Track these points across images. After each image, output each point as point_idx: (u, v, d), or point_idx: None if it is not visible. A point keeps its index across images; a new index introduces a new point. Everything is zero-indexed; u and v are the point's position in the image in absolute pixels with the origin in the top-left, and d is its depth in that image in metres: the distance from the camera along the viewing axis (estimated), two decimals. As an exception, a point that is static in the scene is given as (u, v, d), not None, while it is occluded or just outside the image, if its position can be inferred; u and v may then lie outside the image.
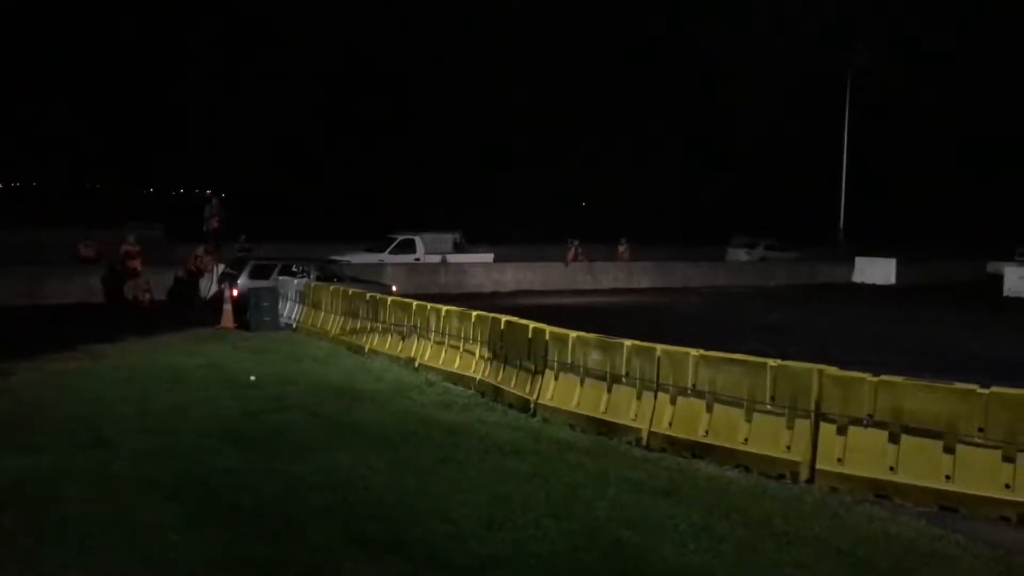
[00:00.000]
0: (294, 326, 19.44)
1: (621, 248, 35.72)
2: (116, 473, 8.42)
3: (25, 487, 7.95)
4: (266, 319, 19.03)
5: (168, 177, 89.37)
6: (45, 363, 14.15)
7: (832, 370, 8.99)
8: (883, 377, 8.65)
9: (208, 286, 23.77)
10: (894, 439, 8.35)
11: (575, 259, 33.42)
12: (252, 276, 21.40)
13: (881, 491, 8.27)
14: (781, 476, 8.83)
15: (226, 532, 7.02)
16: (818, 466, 8.71)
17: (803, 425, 8.91)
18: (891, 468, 8.30)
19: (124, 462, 8.77)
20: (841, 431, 8.66)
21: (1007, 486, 7.81)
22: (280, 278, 21.37)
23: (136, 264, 23.37)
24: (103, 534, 6.88)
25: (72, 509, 7.43)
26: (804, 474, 8.76)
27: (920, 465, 8.18)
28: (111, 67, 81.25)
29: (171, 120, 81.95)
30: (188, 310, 21.65)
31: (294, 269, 21.93)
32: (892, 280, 37.47)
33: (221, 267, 23.33)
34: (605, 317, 21.62)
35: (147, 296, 23.34)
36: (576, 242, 33.85)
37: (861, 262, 38.87)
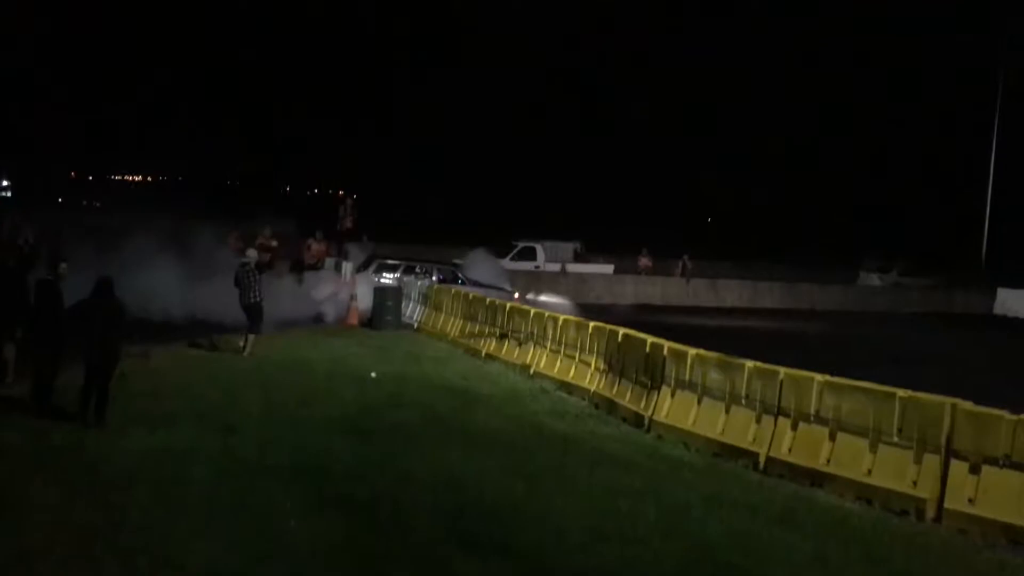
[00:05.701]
0: (415, 326, 19.85)
1: (643, 259, 34.26)
2: (241, 457, 8.78)
3: (158, 463, 8.39)
4: (389, 318, 19.49)
5: (303, 177, 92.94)
6: (180, 348, 14.90)
7: (966, 405, 8.53)
8: (1023, 416, 8.15)
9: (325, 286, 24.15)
10: (1033, 483, 7.86)
11: (683, 274, 32.89)
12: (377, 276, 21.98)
13: (1016, 538, 7.78)
14: (905, 512, 8.45)
15: (341, 522, 7.23)
16: (946, 505, 8.28)
17: (932, 460, 8.49)
18: (1028, 514, 7.81)
19: (249, 447, 9.14)
20: (974, 470, 8.20)
21: None
22: (404, 279, 21.86)
23: (269, 257, 24.24)
24: (228, 514, 7.18)
25: (200, 488, 7.80)
26: (931, 512, 8.35)
27: (1061, 513, 7.67)
28: (253, 77, 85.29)
29: (309, 125, 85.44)
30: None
31: (417, 270, 22.40)
32: (1038, 314, 35.23)
33: (350, 265, 23.96)
34: (724, 337, 21.17)
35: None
36: (686, 256, 33.31)
37: (1004, 293, 36.64)
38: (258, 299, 15.06)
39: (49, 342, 10.01)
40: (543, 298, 23.88)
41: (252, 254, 16.08)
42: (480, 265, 25.64)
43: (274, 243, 24.32)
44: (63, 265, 10.53)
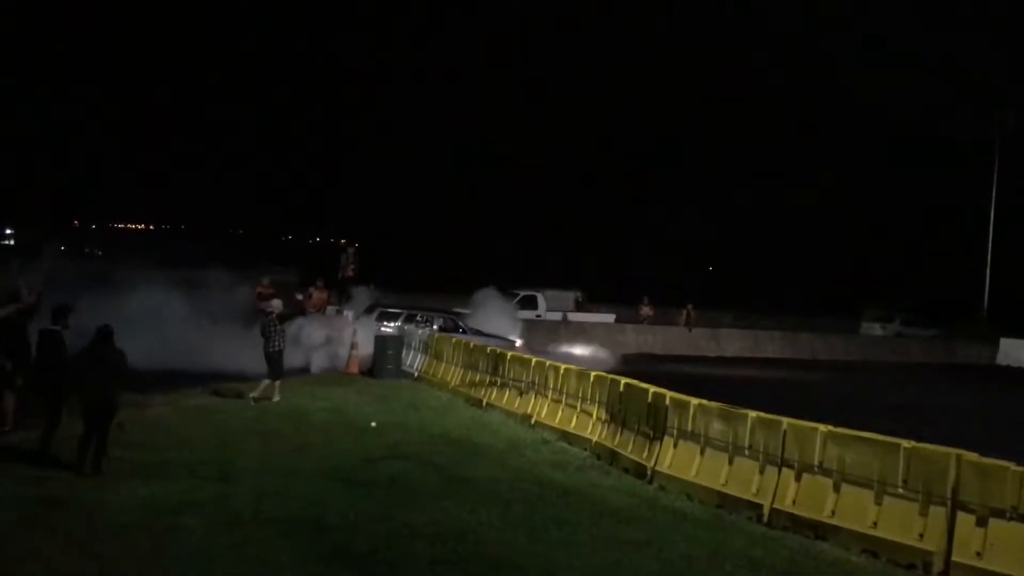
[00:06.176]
0: (416, 375, 19.75)
1: (645, 308, 34.27)
2: (237, 508, 8.67)
3: (155, 514, 8.29)
4: (389, 367, 19.42)
5: (305, 225, 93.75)
6: (179, 398, 14.82)
7: (971, 456, 8.43)
8: (1029, 468, 8.05)
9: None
10: (1042, 536, 7.73)
11: (687, 323, 32.92)
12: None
13: (1025, 592, 7.65)
14: (912, 565, 8.30)
15: (338, 574, 7.10)
16: (954, 558, 8.13)
17: (938, 512, 8.37)
18: (1038, 568, 7.67)
19: (245, 498, 9.03)
20: (981, 522, 8.07)
21: None
22: (405, 327, 21.82)
23: (268, 305, 24.16)
24: (223, 566, 7.08)
25: (196, 540, 7.69)
26: (938, 566, 8.20)
27: (1071, 567, 7.53)
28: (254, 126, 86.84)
29: (310, 173, 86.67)
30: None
31: (418, 319, 22.37)
32: (1041, 364, 35.07)
33: (350, 313, 23.94)
34: (726, 386, 21.07)
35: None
36: (690, 306, 33.37)
37: (1007, 343, 36.55)
38: (277, 348, 15.48)
39: (52, 391, 9.98)
40: (575, 350, 23.78)
41: (277, 304, 16.35)
42: (488, 306, 25.52)
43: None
44: (71, 315, 10.56)
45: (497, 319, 24.58)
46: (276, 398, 15.22)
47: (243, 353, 18.45)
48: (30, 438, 10.35)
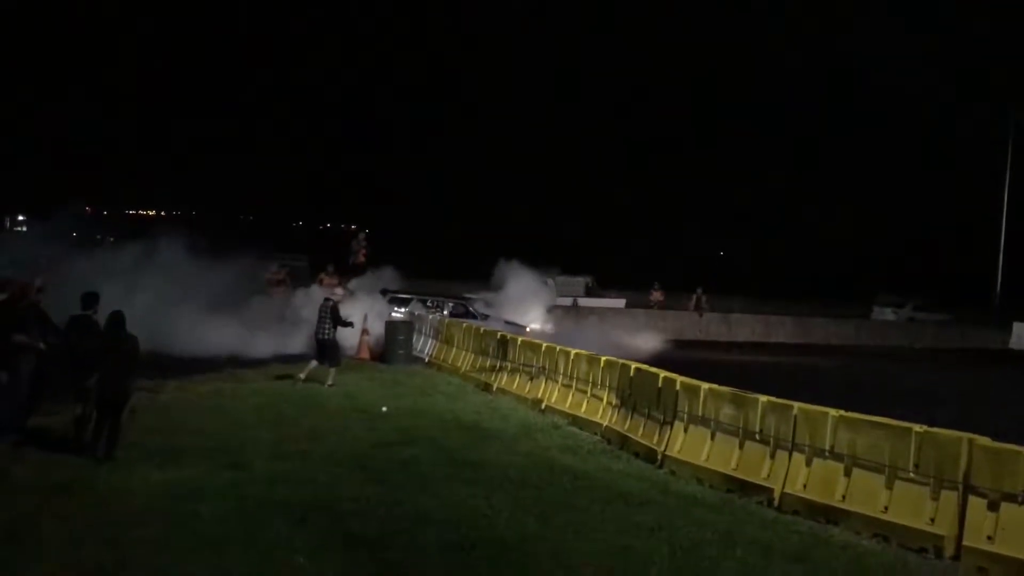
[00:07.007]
0: (426, 360, 19.79)
1: (656, 293, 34.44)
2: (250, 494, 8.72)
3: (167, 500, 8.34)
4: (400, 352, 19.46)
5: (317, 213, 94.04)
6: (192, 383, 14.89)
7: (983, 440, 8.40)
8: (1041, 452, 8.02)
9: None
10: (1053, 520, 7.71)
11: (697, 308, 32.90)
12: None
13: (1036, 576, 7.63)
14: (923, 550, 8.29)
15: (350, 560, 7.14)
16: (965, 542, 8.12)
17: (949, 497, 8.35)
18: (1049, 552, 7.65)
19: (258, 484, 9.08)
20: (992, 507, 8.06)
21: None
22: (415, 312, 21.84)
23: (278, 291, 24.32)
24: (236, 551, 7.11)
25: (208, 526, 7.73)
26: (949, 550, 8.19)
27: (1083, 551, 7.51)
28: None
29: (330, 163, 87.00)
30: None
31: (429, 304, 22.40)
32: (1055, 348, 34.93)
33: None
34: (737, 371, 21.05)
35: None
36: (700, 290, 33.31)
37: (1020, 327, 36.41)
38: (326, 336, 15.85)
39: (85, 375, 9.99)
40: (632, 340, 23.72)
41: (339, 293, 16.49)
42: (513, 285, 25.21)
43: (280, 276, 24.19)
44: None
45: (521, 300, 24.47)
46: (299, 380, 15.45)
47: (256, 338, 18.57)
48: (46, 424, 10.44)
